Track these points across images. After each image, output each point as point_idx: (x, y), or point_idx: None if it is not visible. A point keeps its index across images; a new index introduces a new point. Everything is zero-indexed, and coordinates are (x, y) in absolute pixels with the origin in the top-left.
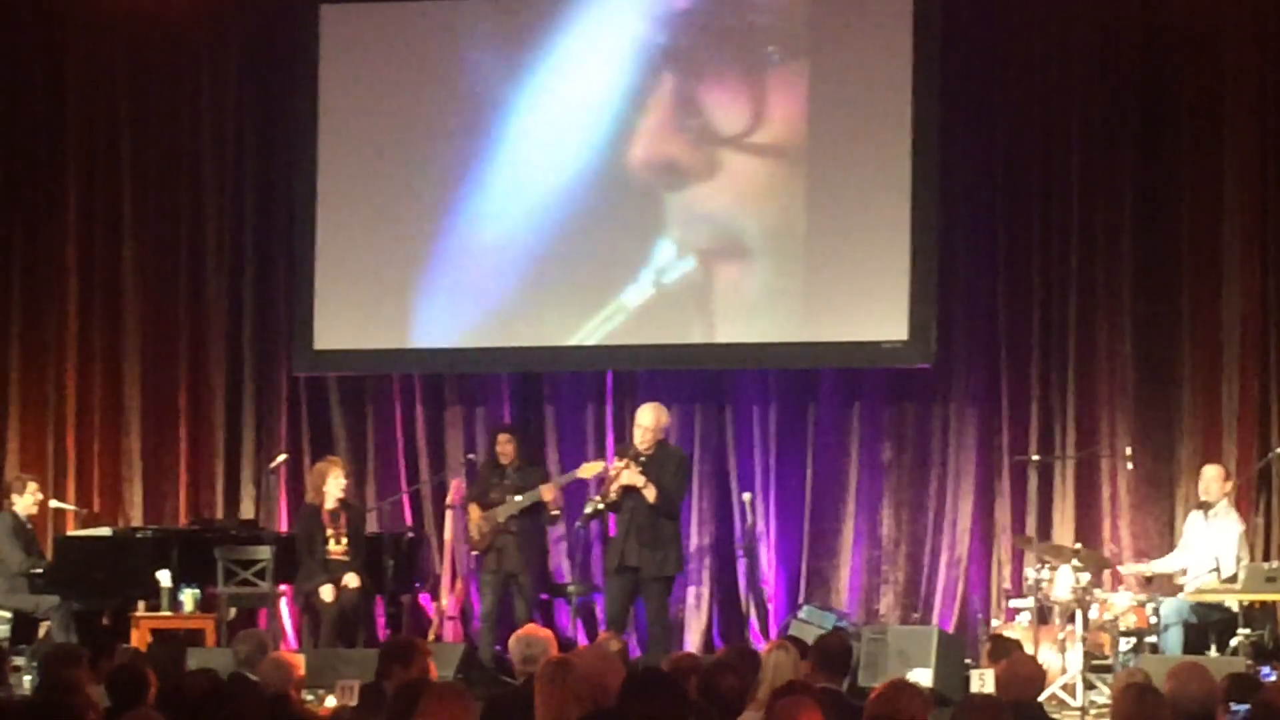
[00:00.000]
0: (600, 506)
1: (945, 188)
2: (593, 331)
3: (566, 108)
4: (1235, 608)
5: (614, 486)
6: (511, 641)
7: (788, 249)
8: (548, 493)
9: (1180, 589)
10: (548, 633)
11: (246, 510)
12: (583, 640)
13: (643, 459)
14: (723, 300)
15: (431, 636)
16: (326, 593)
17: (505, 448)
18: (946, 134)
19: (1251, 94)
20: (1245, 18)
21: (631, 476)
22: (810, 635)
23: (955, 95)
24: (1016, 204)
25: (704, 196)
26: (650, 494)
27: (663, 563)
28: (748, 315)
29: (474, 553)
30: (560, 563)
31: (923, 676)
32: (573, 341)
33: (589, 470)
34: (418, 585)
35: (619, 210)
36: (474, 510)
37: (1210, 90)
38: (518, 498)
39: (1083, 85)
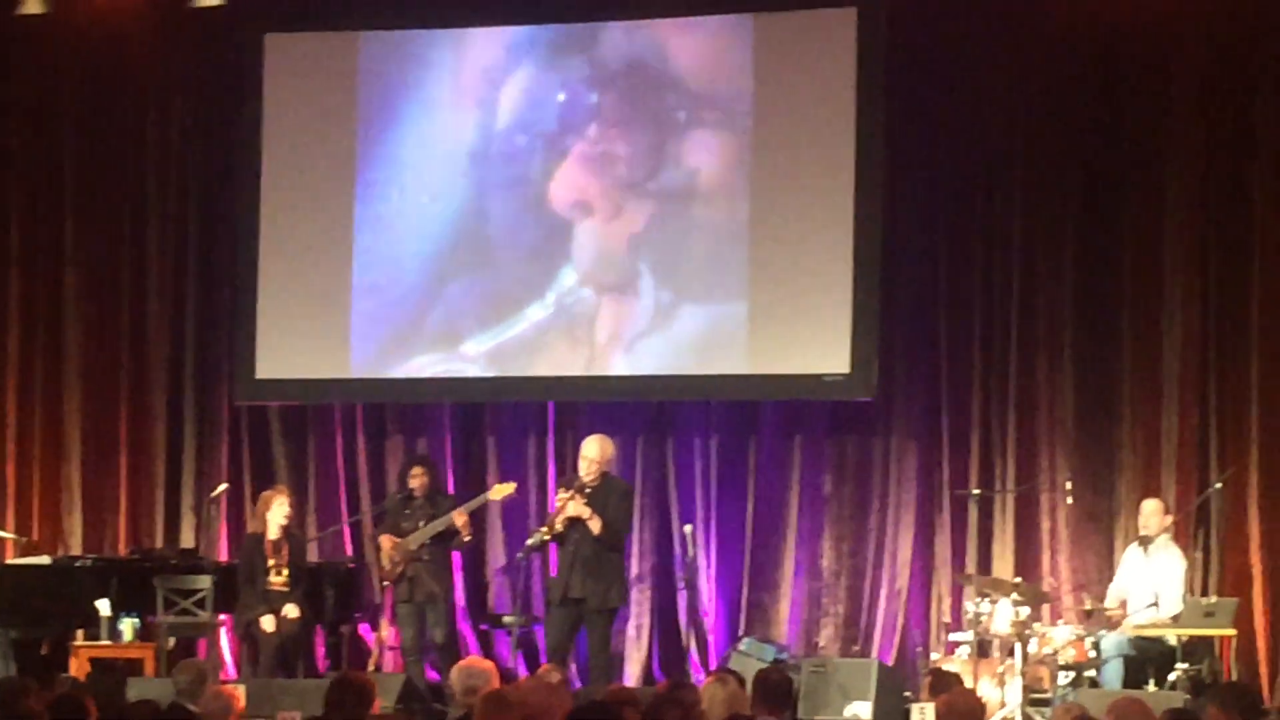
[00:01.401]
0: (545, 538)
1: (888, 222)
2: (530, 363)
3: (502, 144)
4: (1174, 642)
5: (559, 518)
6: (454, 672)
7: (731, 283)
8: (459, 517)
9: (1118, 623)
10: (489, 664)
11: (186, 539)
12: (523, 671)
13: (588, 490)
14: (665, 333)
15: (371, 667)
16: (268, 623)
17: (419, 479)
18: (890, 168)
19: (1195, 132)
20: (1190, 59)
21: (577, 508)
22: (750, 667)
23: (899, 131)
24: (958, 238)
25: (642, 232)
26: (595, 526)
27: (606, 595)
28: (690, 348)
29: (385, 583)
30: (500, 593)
31: (862, 709)
32: (512, 373)
33: (499, 492)
34: (357, 616)
35: (553, 246)
36: (385, 540)
37: (1153, 127)
38: (430, 525)
39: (1026, 122)
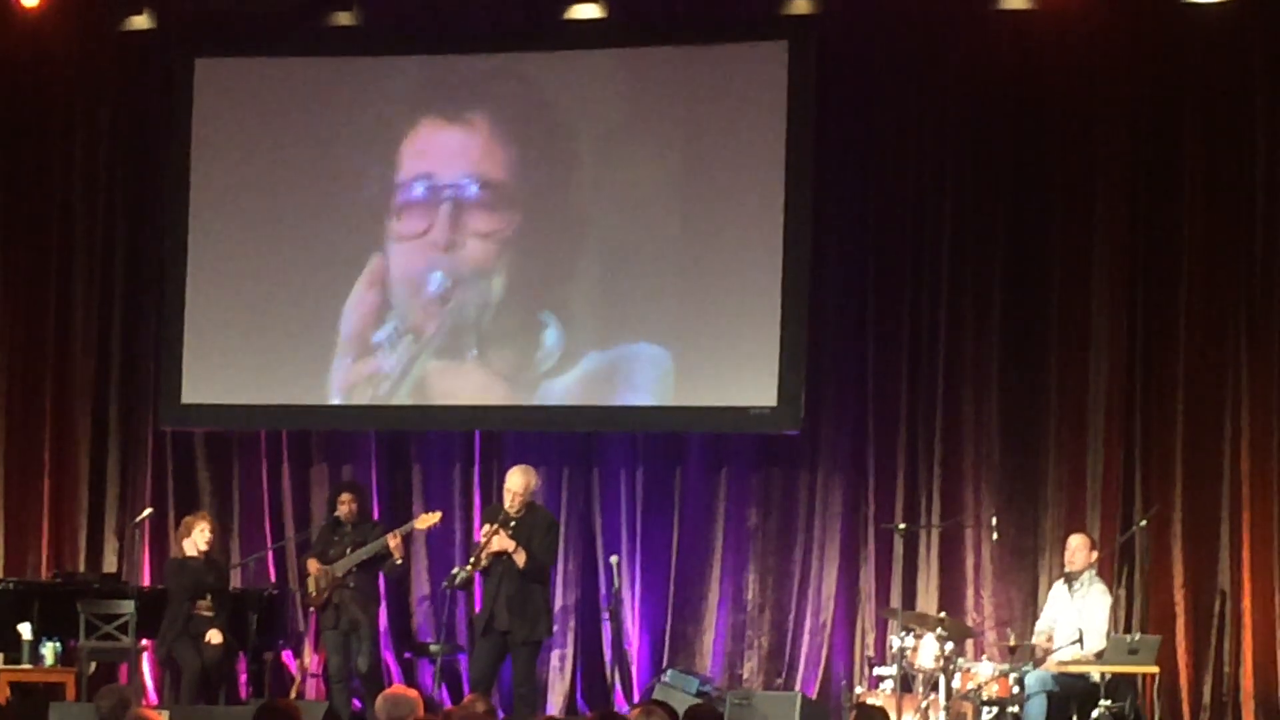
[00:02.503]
0: (470, 572)
1: (816, 255)
2: (456, 394)
3: (413, 179)
4: (1097, 679)
5: (485, 552)
6: (379, 701)
7: (659, 314)
8: (392, 539)
9: (1041, 659)
10: (415, 693)
11: (109, 564)
12: (446, 700)
13: (512, 523)
14: (592, 363)
15: (294, 694)
16: (215, 635)
17: (347, 506)
18: (818, 204)
19: (1121, 167)
20: (1116, 94)
21: (502, 542)
22: (674, 699)
23: (828, 164)
24: (886, 274)
25: (567, 264)
26: (520, 559)
27: (533, 628)
28: (617, 379)
29: (310, 609)
30: (424, 622)
31: None
32: (428, 402)
33: (424, 522)
34: (280, 642)
35: (471, 281)
36: (313, 565)
37: (1080, 163)
38: (357, 551)
39: (955, 157)
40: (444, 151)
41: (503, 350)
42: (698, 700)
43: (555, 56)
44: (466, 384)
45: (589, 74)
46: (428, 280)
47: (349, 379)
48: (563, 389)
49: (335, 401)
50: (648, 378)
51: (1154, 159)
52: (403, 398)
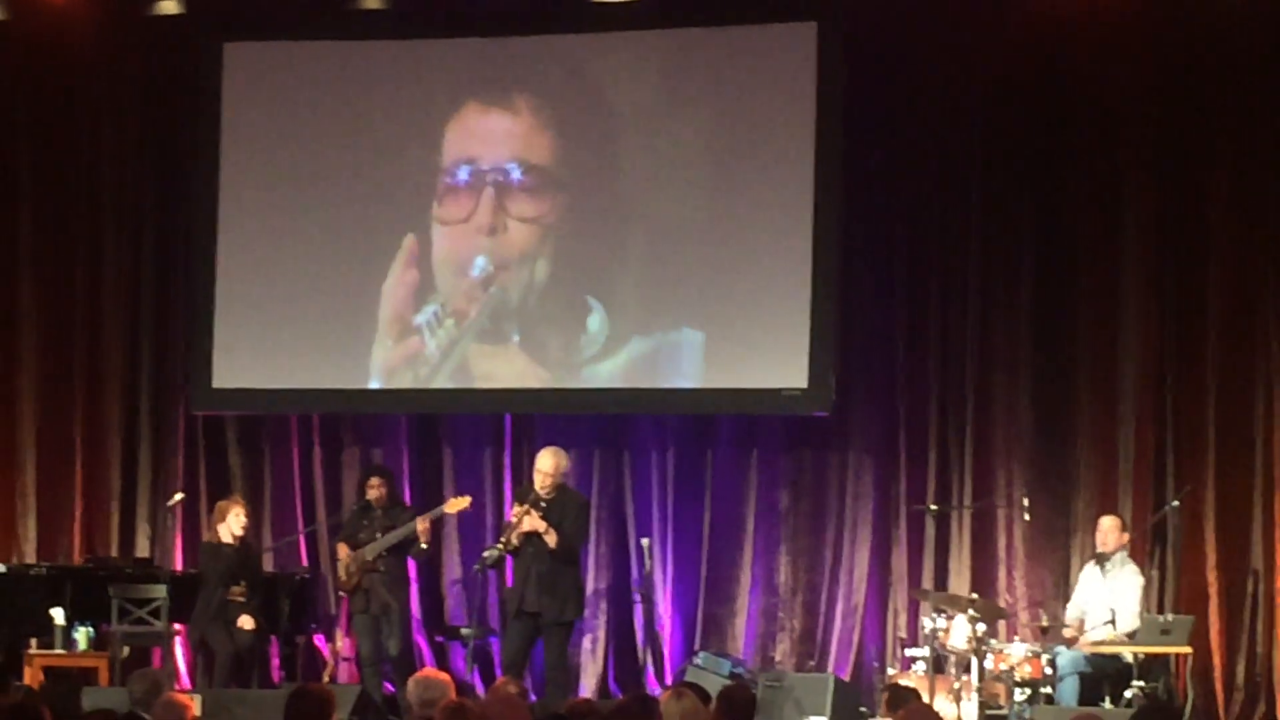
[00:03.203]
0: (501, 553)
1: (847, 236)
2: (498, 377)
3: (452, 164)
4: (1130, 659)
5: (515, 533)
6: (410, 684)
7: (690, 297)
8: (421, 523)
9: (1074, 640)
10: (446, 676)
11: (141, 549)
12: (479, 684)
13: (543, 504)
14: (622, 346)
15: (326, 678)
16: (247, 621)
17: (377, 490)
18: (848, 184)
19: (1148, 150)
20: (1144, 76)
21: (533, 522)
22: (706, 681)
23: (858, 145)
24: (917, 255)
25: (599, 247)
26: (551, 540)
27: (563, 609)
28: (648, 362)
29: (341, 593)
30: (456, 605)
31: None
32: (468, 385)
33: (454, 506)
34: (313, 626)
35: (508, 265)
36: (342, 550)
37: (1109, 144)
38: (387, 536)
39: (985, 138)
40: (467, 139)
41: (546, 335)
42: (730, 683)
43: (588, 38)
44: (508, 368)
45: (622, 55)
46: (471, 264)
47: (390, 361)
48: (607, 374)
49: (374, 385)
50: (686, 361)
51: (1182, 140)
52: (444, 380)
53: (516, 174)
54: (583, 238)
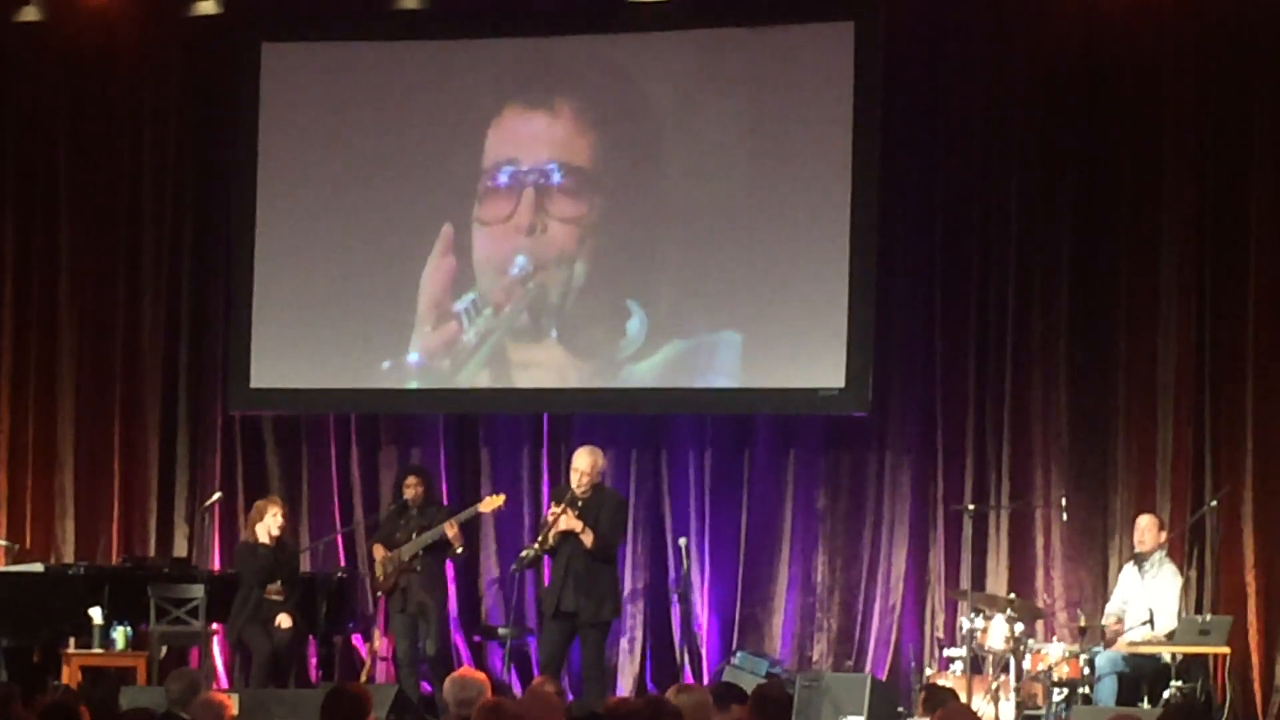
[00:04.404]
0: (538, 553)
1: (884, 236)
2: (534, 372)
3: (493, 164)
4: (1168, 659)
5: (552, 532)
6: (446, 684)
7: (727, 297)
8: (450, 529)
9: (1112, 641)
10: (482, 675)
11: (179, 548)
12: (516, 683)
13: (580, 503)
14: (660, 346)
15: (363, 677)
16: (284, 620)
17: (413, 489)
18: (886, 183)
19: (1189, 147)
20: (1185, 72)
21: (569, 522)
22: (744, 681)
23: (894, 146)
24: (954, 253)
25: (635, 247)
26: (588, 539)
27: (599, 609)
28: (685, 362)
29: (378, 594)
30: (493, 605)
31: None
32: (511, 383)
33: (489, 505)
34: (350, 626)
35: (546, 265)
36: (379, 550)
37: (1148, 141)
38: (423, 535)
39: (1022, 137)
40: (509, 139)
41: (584, 334)
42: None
43: (626, 38)
44: (545, 365)
45: (660, 55)
46: (511, 263)
47: (428, 345)
48: (644, 374)
49: (413, 369)
50: (724, 361)
51: (1222, 135)
52: (477, 367)
53: (556, 175)
54: (622, 239)
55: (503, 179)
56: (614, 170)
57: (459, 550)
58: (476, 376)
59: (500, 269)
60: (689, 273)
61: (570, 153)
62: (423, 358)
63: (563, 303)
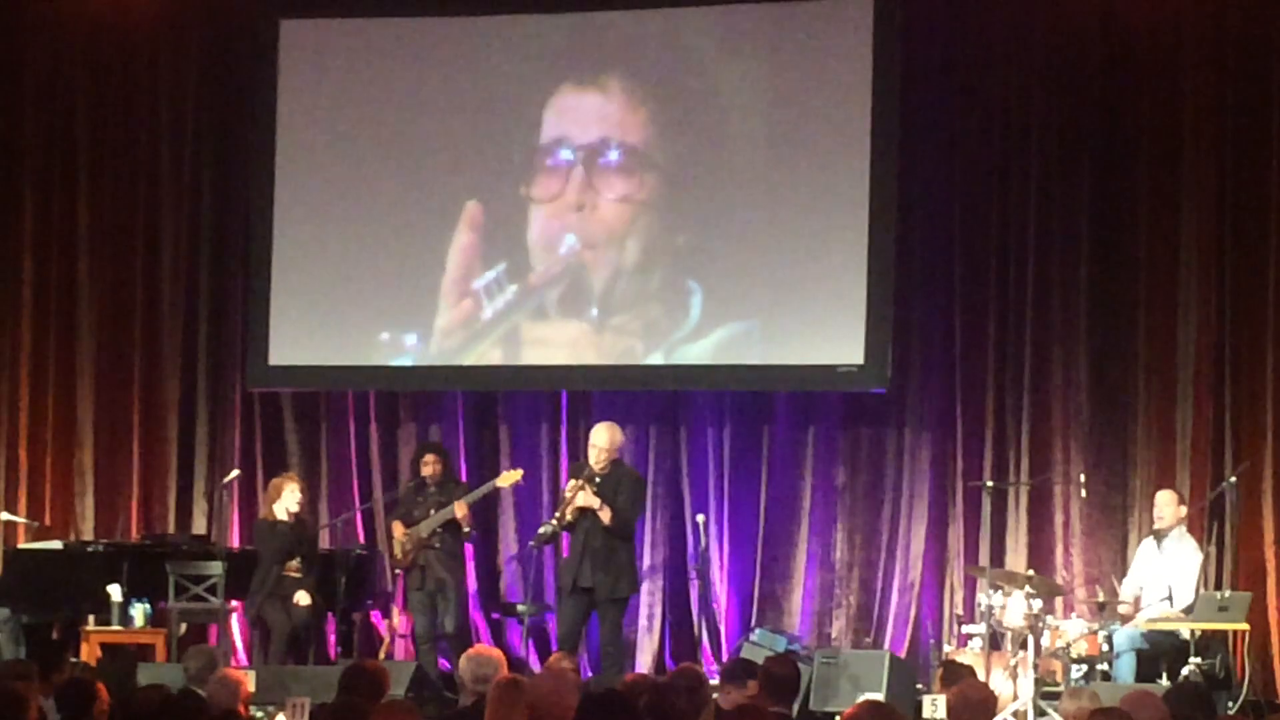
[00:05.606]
0: (556, 529)
1: (902, 212)
2: (544, 352)
3: (521, 130)
4: (1187, 636)
5: (569, 508)
6: (462, 661)
7: (746, 274)
8: (460, 509)
9: (1130, 617)
10: (499, 652)
11: (198, 525)
12: (534, 660)
13: (597, 479)
14: (679, 323)
15: (382, 654)
16: (303, 597)
17: (431, 467)
18: (905, 160)
19: (1209, 125)
20: (1205, 51)
21: (587, 498)
22: (762, 658)
23: (914, 123)
24: (973, 228)
25: (656, 223)
26: (605, 516)
27: (616, 584)
28: (704, 338)
29: (397, 570)
30: (512, 582)
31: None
32: (524, 361)
33: (506, 480)
34: (369, 603)
35: (568, 239)
36: (397, 527)
37: (1168, 119)
38: (441, 512)
39: (1042, 114)
40: (536, 114)
41: (635, 313)
42: (773, 655)
43: (654, 14)
44: (565, 343)
45: (674, 32)
46: (560, 242)
47: (446, 323)
48: (650, 348)
49: (431, 346)
50: (734, 337)
51: (1243, 114)
52: (495, 342)
53: (607, 153)
54: (675, 218)
55: (551, 157)
56: (663, 148)
57: (467, 531)
58: (490, 353)
59: (549, 247)
60: (708, 249)
61: (617, 130)
62: (441, 335)
63: (610, 282)
